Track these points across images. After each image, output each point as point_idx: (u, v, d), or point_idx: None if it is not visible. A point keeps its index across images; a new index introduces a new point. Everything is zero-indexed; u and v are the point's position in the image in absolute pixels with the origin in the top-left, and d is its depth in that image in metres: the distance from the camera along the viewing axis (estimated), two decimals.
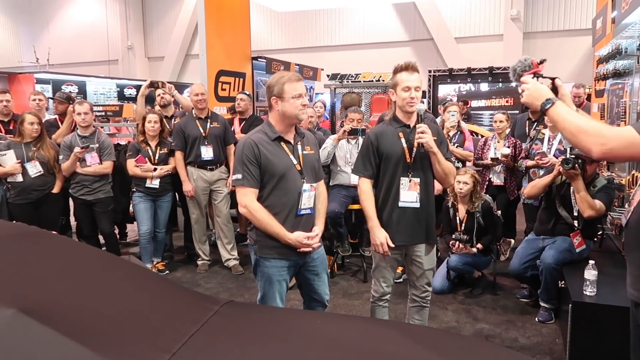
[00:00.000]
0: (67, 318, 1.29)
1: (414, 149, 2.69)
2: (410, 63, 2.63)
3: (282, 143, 2.52)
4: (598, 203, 3.53)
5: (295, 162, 2.52)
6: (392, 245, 2.69)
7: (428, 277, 2.89)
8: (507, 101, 10.70)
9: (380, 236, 2.71)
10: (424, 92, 12.83)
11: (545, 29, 14.16)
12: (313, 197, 2.58)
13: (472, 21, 14.82)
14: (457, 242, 4.17)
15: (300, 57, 13.97)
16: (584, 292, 3.04)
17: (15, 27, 20.24)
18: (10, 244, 1.60)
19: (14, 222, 4.26)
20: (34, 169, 4.36)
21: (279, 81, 2.45)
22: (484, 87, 11.23)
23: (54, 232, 4.47)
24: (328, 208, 4.48)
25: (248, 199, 2.43)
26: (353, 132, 4.41)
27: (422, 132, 2.57)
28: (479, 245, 4.22)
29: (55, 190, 4.51)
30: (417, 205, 2.72)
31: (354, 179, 4.59)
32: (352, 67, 11.22)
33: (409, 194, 2.71)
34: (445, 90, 11.37)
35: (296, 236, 2.46)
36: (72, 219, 5.31)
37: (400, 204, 2.73)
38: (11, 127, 4.90)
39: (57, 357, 1.18)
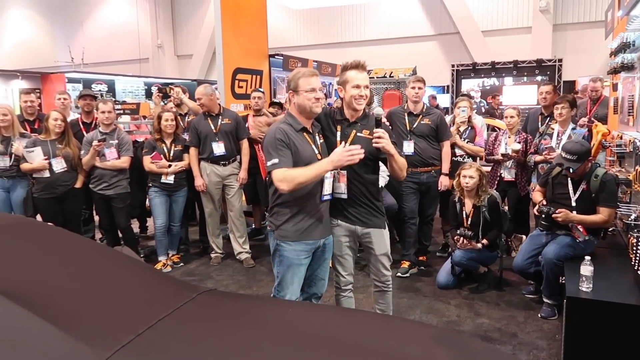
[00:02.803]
0: (43, 300, 1.42)
1: (346, 144, 2.71)
2: (360, 61, 2.72)
3: (305, 134, 2.68)
4: (606, 213, 3.54)
5: (316, 151, 2.68)
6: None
7: (383, 262, 2.95)
8: None
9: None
10: (446, 87, 12.75)
11: (576, 21, 13.79)
12: (331, 183, 2.73)
13: (499, 14, 14.57)
14: (462, 238, 4.18)
15: (325, 53, 14.07)
16: (580, 288, 3.03)
17: (51, 28, 21.03)
18: (1, 233, 1.75)
19: (15, 214, 4.51)
20: (59, 165, 4.58)
21: (294, 76, 2.65)
22: (509, 81, 11.08)
23: (76, 224, 4.75)
24: None
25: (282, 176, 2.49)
26: None
27: (379, 137, 2.56)
28: (484, 241, 4.22)
29: (78, 185, 4.74)
30: (345, 196, 2.78)
31: None
32: (378, 62, 11.19)
33: (337, 185, 2.77)
34: (469, 85, 11.28)
35: (339, 151, 2.47)
36: (95, 212, 5.55)
37: (334, 195, 2.77)
38: (36, 126, 5.16)
39: (27, 334, 1.32)
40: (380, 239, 2.93)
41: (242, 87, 6.55)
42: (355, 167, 2.71)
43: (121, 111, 5.73)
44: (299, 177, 2.49)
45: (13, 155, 4.64)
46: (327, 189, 2.70)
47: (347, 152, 2.45)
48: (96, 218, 5.52)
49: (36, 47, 21.17)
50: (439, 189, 4.57)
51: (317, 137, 2.74)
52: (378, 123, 2.64)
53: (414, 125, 4.46)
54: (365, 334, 1.73)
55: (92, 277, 1.70)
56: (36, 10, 21.37)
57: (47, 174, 4.56)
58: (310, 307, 2.28)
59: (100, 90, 11.03)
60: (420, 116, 4.47)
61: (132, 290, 1.73)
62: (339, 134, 2.81)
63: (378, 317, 2.23)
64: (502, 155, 4.85)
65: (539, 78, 10.70)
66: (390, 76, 6.42)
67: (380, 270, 2.99)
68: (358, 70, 2.70)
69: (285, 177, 2.48)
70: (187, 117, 5.42)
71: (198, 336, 1.51)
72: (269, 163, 2.55)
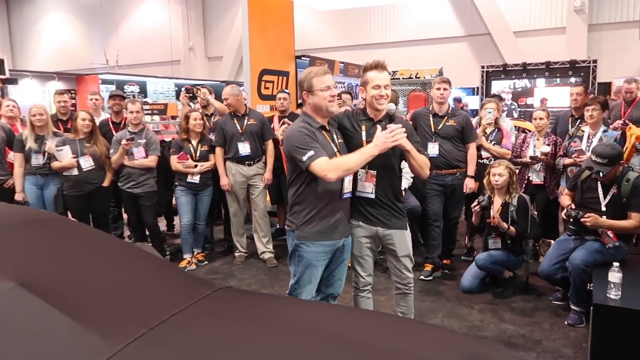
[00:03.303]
0: (60, 292, 1.47)
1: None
2: (380, 61, 2.70)
3: (324, 132, 2.68)
4: (638, 218, 3.43)
5: (335, 149, 2.67)
6: None
7: (405, 263, 2.94)
8: None
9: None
10: (476, 89, 12.53)
11: (612, 20, 13.34)
12: (351, 180, 2.72)
13: (532, 14, 14.22)
14: (478, 205, 4.17)
15: (352, 55, 14.01)
16: (608, 295, 2.93)
17: (88, 31, 21.66)
18: (26, 227, 1.81)
19: (40, 210, 4.63)
20: (87, 163, 4.71)
21: (307, 77, 2.63)
22: (541, 82, 10.81)
23: (104, 222, 4.87)
24: None
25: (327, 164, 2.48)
26: None
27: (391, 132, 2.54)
28: (512, 228, 4.09)
29: (106, 183, 4.86)
30: (372, 196, 2.78)
31: None
32: (407, 63, 11.11)
33: (365, 185, 2.78)
34: (499, 87, 11.05)
35: (381, 134, 2.51)
36: (123, 210, 5.68)
37: (357, 194, 2.79)
38: (69, 126, 5.31)
39: (43, 323, 1.36)
40: (402, 241, 2.91)
41: (268, 88, 6.60)
42: (376, 166, 2.70)
43: (149, 111, 5.84)
44: (346, 164, 2.50)
45: (46, 154, 4.80)
46: (347, 186, 2.69)
47: (390, 134, 2.46)
48: (125, 216, 5.65)
49: (74, 50, 21.82)
50: (464, 191, 4.50)
51: (334, 136, 2.73)
52: (391, 118, 2.62)
53: (439, 127, 4.41)
54: (378, 336, 1.72)
55: (109, 272, 1.74)
56: (74, 14, 22.04)
57: (75, 172, 4.69)
58: (325, 307, 2.27)
59: (132, 92, 11.31)
60: (446, 117, 4.42)
61: (148, 285, 1.76)
62: (364, 132, 2.80)
63: (393, 319, 2.21)
64: (531, 158, 4.74)
65: (572, 80, 10.40)
66: (416, 77, 6.36)
67: (402, 272, 2.97)
68: (378, 70, 2.70)
69: (330, 165, 2.47)
70: (213, 118, 5.50)
71: (209, 332, 1.52)
72: (304, 157, 2.47)
